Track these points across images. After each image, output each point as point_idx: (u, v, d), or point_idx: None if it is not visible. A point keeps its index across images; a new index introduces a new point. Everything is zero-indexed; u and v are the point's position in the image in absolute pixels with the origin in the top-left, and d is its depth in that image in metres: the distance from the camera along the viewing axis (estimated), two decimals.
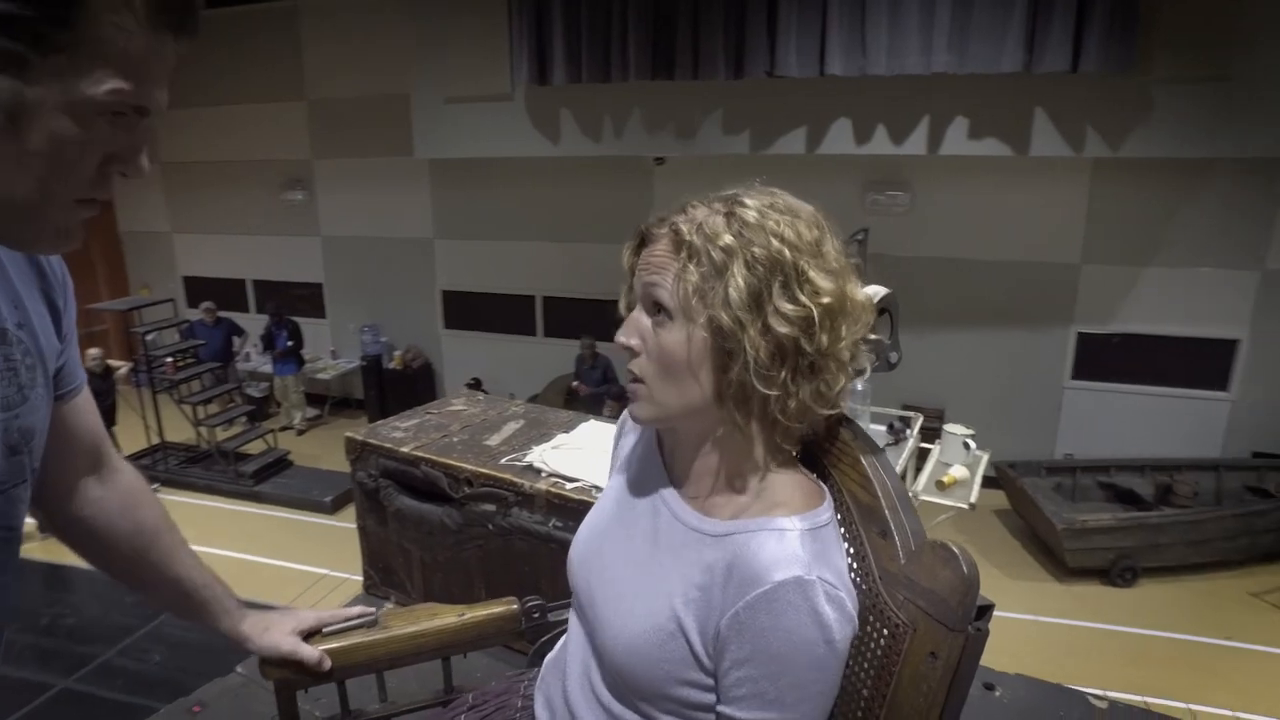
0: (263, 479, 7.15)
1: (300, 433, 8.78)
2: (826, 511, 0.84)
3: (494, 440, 2.26)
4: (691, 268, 0.79)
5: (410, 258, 8.74)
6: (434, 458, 2.11)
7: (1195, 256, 6.30)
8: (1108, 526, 5.50)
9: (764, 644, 0.76)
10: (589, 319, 7.98)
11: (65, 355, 0.88)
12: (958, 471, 3.69)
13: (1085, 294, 6.66)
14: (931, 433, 4.04)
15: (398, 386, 8.82)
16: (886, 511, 0.85)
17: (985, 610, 0.74)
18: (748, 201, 0.82)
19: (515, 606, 1.27)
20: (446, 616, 1.23)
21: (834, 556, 0.80)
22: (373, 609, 1.21)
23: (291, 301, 9.05)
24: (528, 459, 2.08)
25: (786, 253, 0.78)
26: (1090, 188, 6.37)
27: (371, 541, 2.32)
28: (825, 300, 0.78)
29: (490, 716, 1.11)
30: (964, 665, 0.74)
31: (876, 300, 0.89)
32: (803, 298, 0.77)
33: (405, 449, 2.15)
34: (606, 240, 7.81)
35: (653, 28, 6.08)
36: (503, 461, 2.09)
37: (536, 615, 1.26)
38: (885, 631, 0.82)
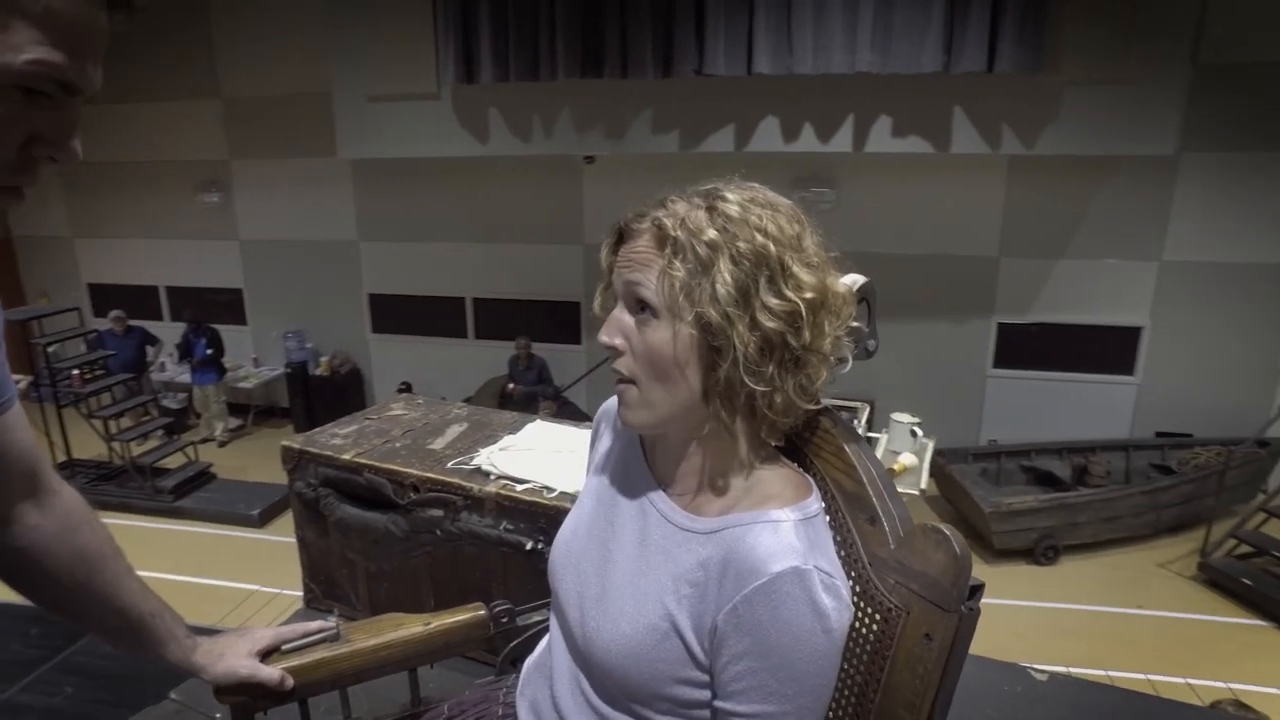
0: (183, 494, 6.82)
1: (222, 444, 8.43)
2: (816, 502, 0.84)
3: (438, 444, 2.21)
4: (677, 264, 0.78)
5: (335, 261, 8.49)
6: (377, 464, 2.05)
7: (1101, 249, 6.64)
8: (1031, 508, 5.74)
9: (763, 636, 0.75)
10: (521, 320, 7.93)
11: None
12: (906, 459, 3.79)
13: (1004, 286, 6.94)
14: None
15: (325, 393, 8.55)
16: (874, 498, 0.85)
17: (976, 590, 0.75)
18: (729, 196, 0.81)
19: (483, 612, 1.24)
20: (412, 626, 1.19)
21: (827, 546, 0.81)
22: (333, 623, 1.15)
23: (210, 308, 8.67)
24: (475, 462, 2.04)
25: (771, 247, 0.77)
26: (1007, 184, 6.64)
27: (312, 553, 2.24)
28: (808, 295, 0.78)
29: None
30: (958, 645, 0.76)
31: (855, 289, 0.89)
32: (788, 292, 0.77)
33: (346, 456, 2.08)
34: (537, 240, 7.82)
35: (581, 27, 6.05)
36: (449, 465, 2.05)
37: (505, 620, 1.23)
38: (877, 617, 0.83)
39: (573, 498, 1.90)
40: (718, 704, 0.81)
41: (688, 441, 0.86)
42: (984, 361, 7.20)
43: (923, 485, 3.70)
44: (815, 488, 0.86)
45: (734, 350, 0.76)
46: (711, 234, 0.77)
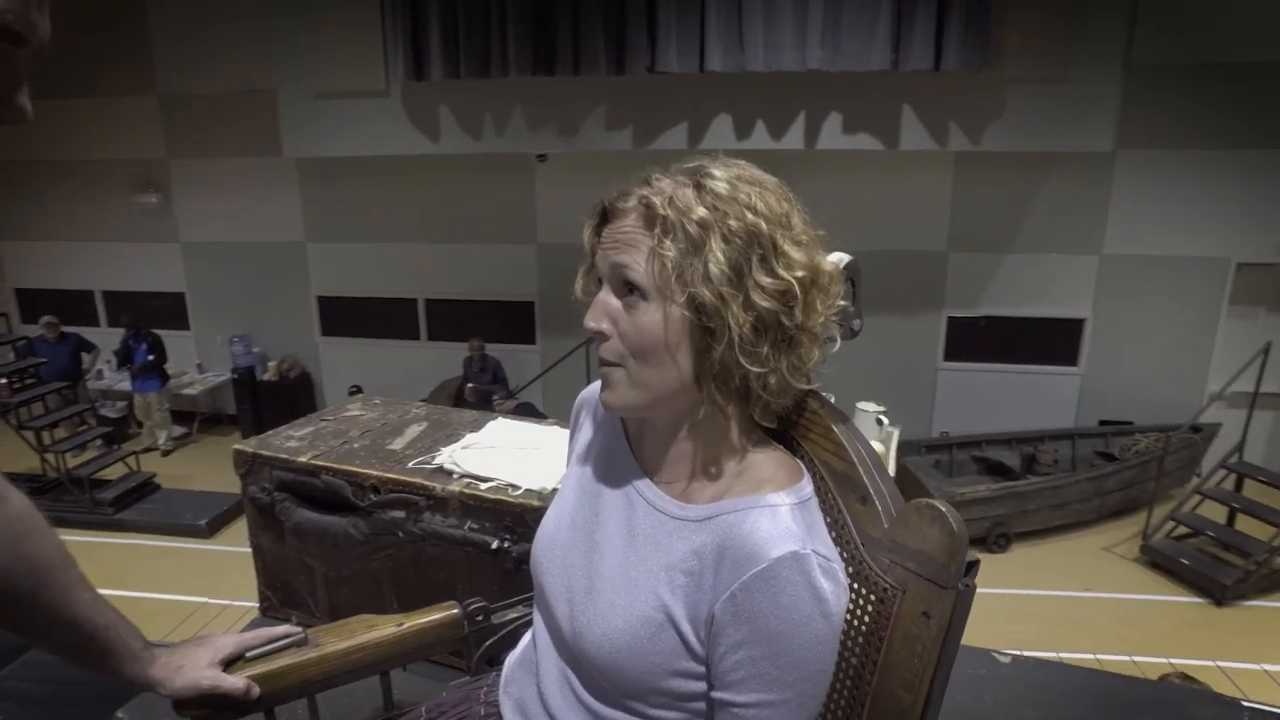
0: (124, 506, 6.56)
1: (166, 453, 8.14)
2: (808, 485, 0.83)
3: (398, 444, 2.16)
4: (668, 243, 0.75)
5: (281, 263, 8.27)
6: (335, 465, 1.99)
7: (1045, 243, 6.83)
8: (983, 497, 5.87)
9: (763, 623, 0.74)
10: (475, 320, 7.83)
11: None
12: (875, 447, 3.83)
13: (953, 280, 7.09)
14: None
15: (274, 399, 8.32)
16: (864, 478, 0.84)
17: (972, 566, 0.75)
18: (716, 173, 0.79)
19: (457, 611, 1.20)
20: (384, 627, 1.15)
21: (821, 529, 0.80)
22: (299, 628, 1.10)
23: (150, 313, 8.36)
24: (437, 461, 2.00)
25: (762, 225, 0.76)
26: (954, 179, 6.78)
27: (267, 560, 2.16)
28: (800, 273, 0.77)
29: None
30: (956, 622, 0.75)
31: (842, 266, 0.88)
32: (780, 271, 0.76)
33: (302, 458, 2.02)
34: (490, 240, 7.73)
35: (532, 24, 6.00)
36: (410, 465, 2.00)
37: (480, 618, 1.19)
38: (872, 598, 0.82)
39: (539, 495, 1.88)
40: (716, 694, 0.79)
41: (677, 426, 0.84)
42: (935, 355, 7.35)
43: (890, 473, 3.74)
44: (806, 471, 0.86)
45: (729, 331, 0.75)
46: (702, 212, 0.75)
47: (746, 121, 6.14)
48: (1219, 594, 5.31)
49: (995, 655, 1.97)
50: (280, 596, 2.19)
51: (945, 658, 0.76)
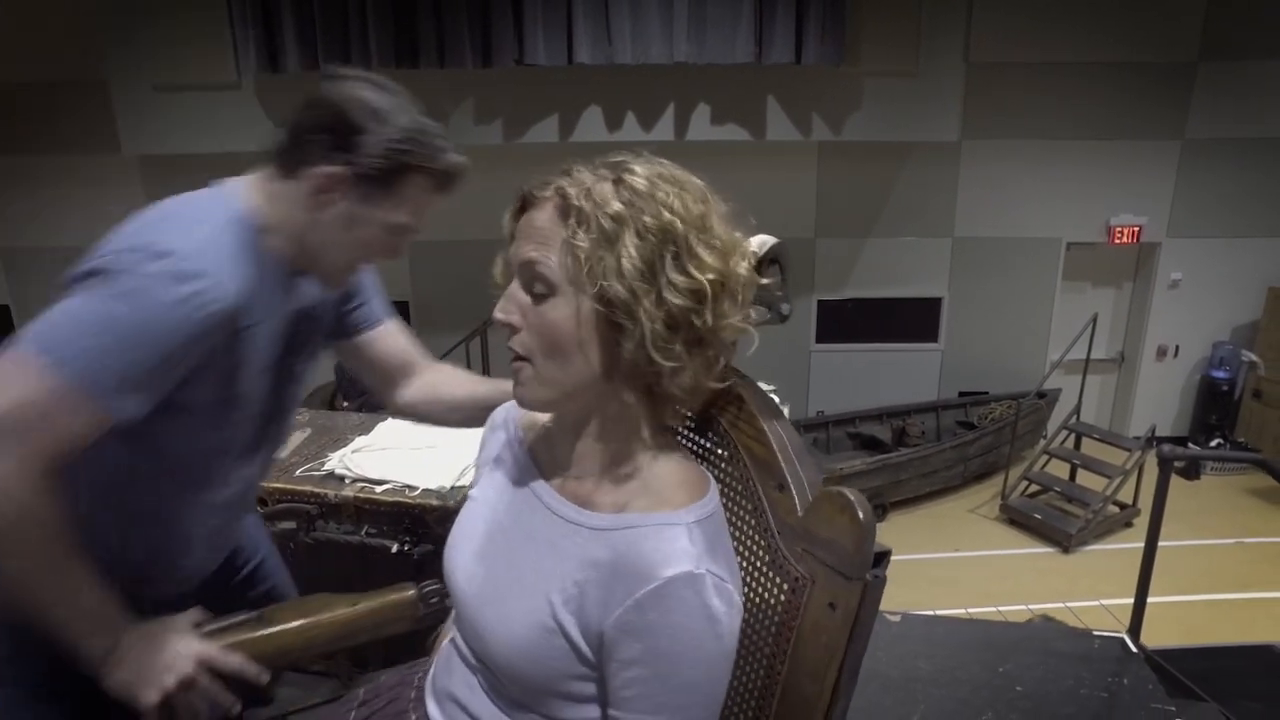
0: None
1: None
2: (713, 500, 0.82)
3: (281, 453, 2.05)
4: (581, 235, 0.75)
5: None
6: None
7: (903, 228, 7.26)
8: (860, 471, 6.19)
9: (654, 643, 0.73)
10: None
11: (358, 302, 1.34)
12: None
13: (821, 265, 7.42)
14: None
15: None
16: (783, 464, 0.83)
17: (883, 557, 0.74)
18: (636, 169, 0.79)
19: (412, 592, 1.20)
20: (338, 606, 1.15)
21: (723, 545, 0.79)
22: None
23: None
24: (327, 466, 1.92)
25: (678, 224, 0.75)
26: (818, 168, 7.09)
27: None
28: (710, 276, 0.76)
29: (381, 711, 1.02)
30: (864, 614, 0.74)
31: (764, 250, 0.89)
32: (692, 270, 0.75)
33: None
34: None
35: (393, 13, 5.78)
36: (299, 473, 1.90)
37: (435, 600, 1.19)
38: (785, 586, 0.82)
39: (438, 494, 1.83)
40: (610, 713, 0.78)
41: (583, 425, 0.84)
42: (808, 338, 7.67)
43: None
44: (713, 483, 0.85)
45: (640, 327, 0.74)
46: (617, 206, 0.75)
47: (617, 113, 6.18)
48: (1065, 543, 5.85)
49: (885, 615, 2.09)
50: None
51: (853, 650, 0.75)
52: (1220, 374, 7.21)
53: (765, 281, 0.87)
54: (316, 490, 1.81)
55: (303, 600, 1.17)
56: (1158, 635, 2.36)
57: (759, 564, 0.87)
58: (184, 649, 1.01)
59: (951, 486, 6.76)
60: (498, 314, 0.81)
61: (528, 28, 5.78)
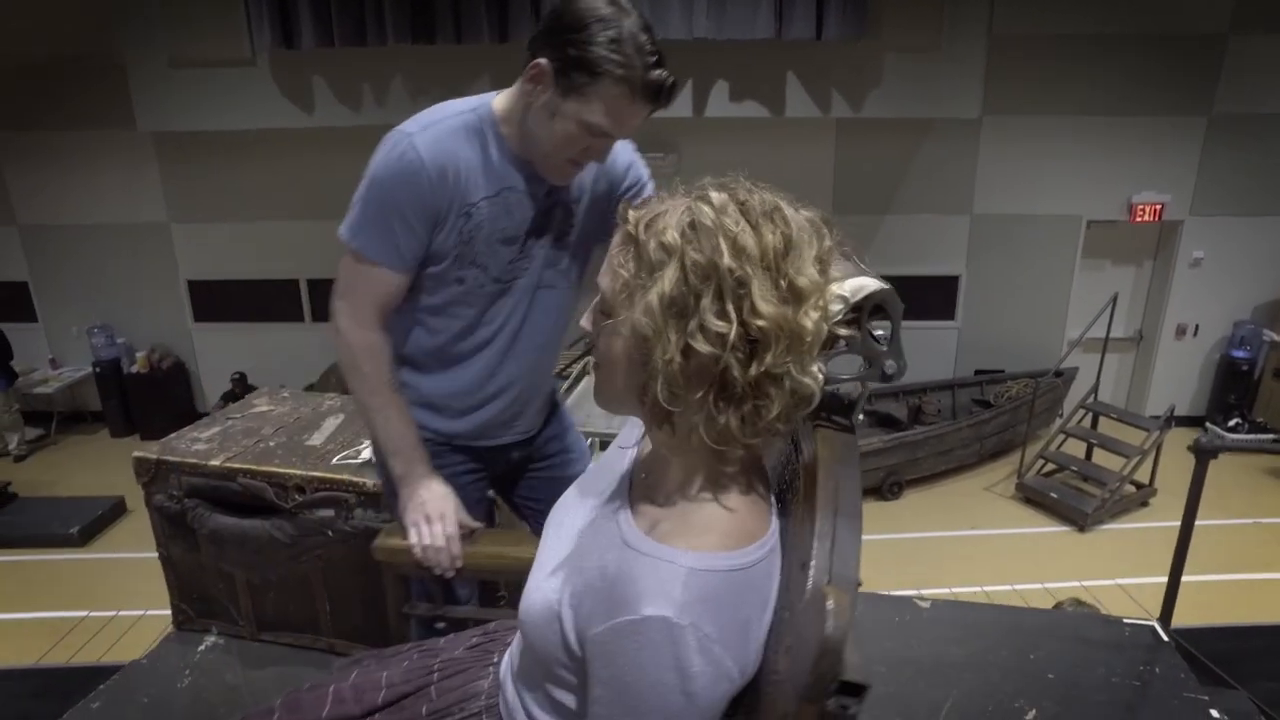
0: None
1: (19, 458, 7.43)
2: (747, 556, 0.73)
3: (316, 439, 2.07)
4: (630, 262, 0.74)
5: (143, 246, 7.62)
6: (253, 467, 1.89)
7: (921, 204, 7.19)
8: (878, 449, 6.20)
9: (619, 672, 0.71)
10: None
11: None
12: None
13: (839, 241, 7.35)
14: None
15: (145, 391, 7.75)
16: (814, 538, 0.71)
17: (855, 689, 0.60)
18: (713, 196, 0.75)
19: None
20: (525, 549, 1.17)
21: (728, 604, 0.71)
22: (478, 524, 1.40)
23: None
24: (364, 454, 1.93)
25: (728, 262, 0.70)
26: (836, 145, 7.01)
27: (180, 571, 2.04)
28: (760, 323, 0.70)
29: (483, 646, 1.12)
30: None
31: (858, 297, 0.78)
32: (732, 312, 0.70)
33: (215, 462, 1.90)
34: None
35: None
36: (335, 461, 1.92)
37: None
38: (772, 678, 0.75)
39: None
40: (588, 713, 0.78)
41: (659, 444, 0.84)
42: None
43: None
44: (764, 540, 0.76)
45: (656, 367, 0.72)
46: (670, 237, 0.72)
47: None
48: (1081, 522, 5.85)
49: (916, 601, 2.11)
50: (197, 608, 2.07)
51: None
52: (1240, 353, 7.15)
53: (845, 334, 0.78)
54: (355, 479, 1.83)
55: (504, 533, 1.35)
56: (1176, 615, 2.36)
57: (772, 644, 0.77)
58: (445, 503, 1.36)
59: (967, 465, 6.76)
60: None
61: (545, 3, 5.71)
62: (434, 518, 1.34)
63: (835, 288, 0.77)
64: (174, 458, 1.93)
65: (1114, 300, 6.54)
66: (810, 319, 0.72)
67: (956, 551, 5.63)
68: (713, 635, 0.68)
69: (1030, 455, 6.44)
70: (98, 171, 7.35)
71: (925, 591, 5.02)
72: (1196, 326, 7.34)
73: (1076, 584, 5.14)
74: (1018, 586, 5.11)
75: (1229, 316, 7.27)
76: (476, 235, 1.30)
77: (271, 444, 2.02)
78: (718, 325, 0.69)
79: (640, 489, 0.86)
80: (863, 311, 0.79)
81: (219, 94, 6.18)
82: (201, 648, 2.04)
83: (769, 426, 0.74)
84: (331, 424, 2.18)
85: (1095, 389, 6.77)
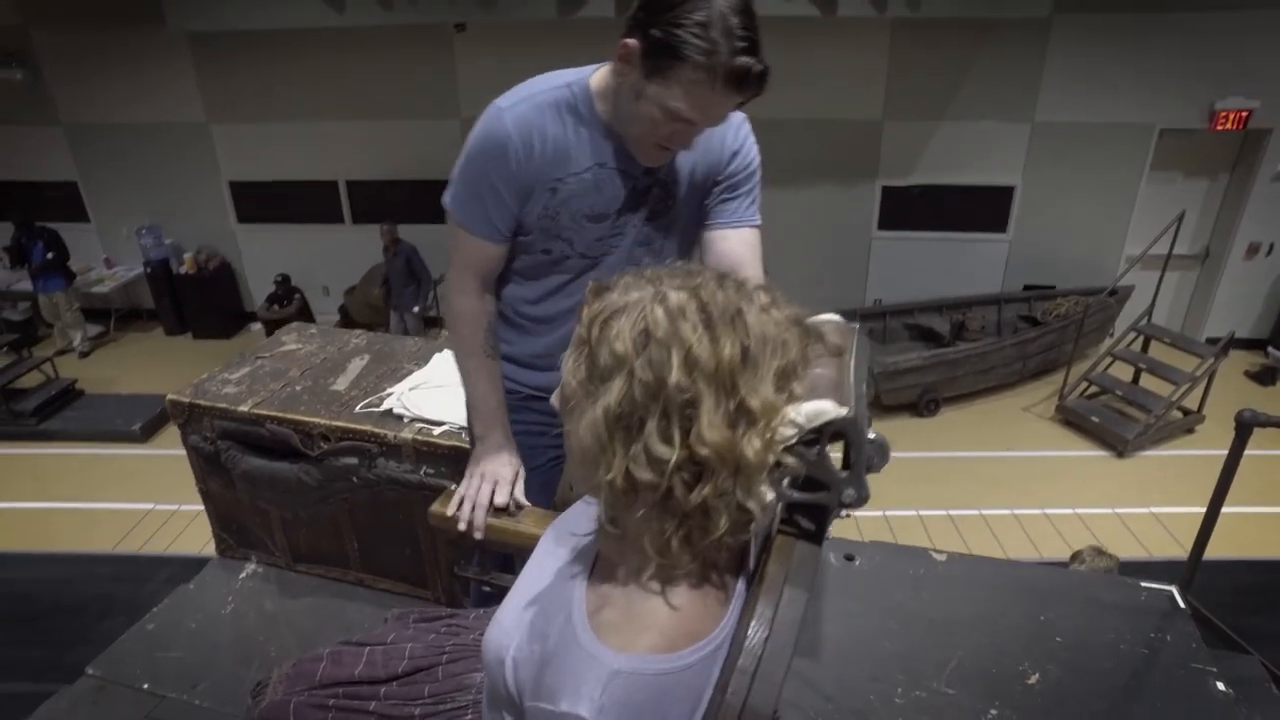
0: (47, 415, 6.33)
1: (84, 355, 7.78)
2: (681, 660, 0.70)
3: (341, 384, 2.11)
4: (582, 367, 0.71)
5: (185, 146, 7.64)
6: (279, 414, 1.94)
7: (978, 110, 6.78)
8: (915, 366, 6.11)
9: None
10: (400, 200, 7.42)
11: (724, 196, 1.42)
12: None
13: (888, 149, 7.04)
14: None
15: (194, 291, 7.98)
16: (737, 670, 0.71)
17: None
18: (671, 298, 0.69)
19: None
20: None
21: (649, 713, 0.68)
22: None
23: (40, 205, 7.72)
24: (386, 404, 1.96)
25: (677, 378, 0.66)
26: (890, 48, 6.59)
27: (219, 505, 2.14)
28: (704, 452, 0.66)
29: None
30: None
31: (815, 424, 0.72)
32: (678, 436, 0.67)
33: (243, 407, 1.96)
34: (409, 116, 7.27)
35: None
36: (358, 410, 1.96)
37: None
38: None
39: None
40: None
41: (610, 532, 0.80)
42: (869, 224, 7.40)
43: (853, 378, 3.87)
44: (706, 641, 0.72)
45: (602, 479, 0.70)
46: (620, 346, 0.68)
47: None
48: (1121, 447, 5.76)
49: (933, 554, 2.12)
50: (236, 538, 2.18)
51: None
52: None
53: (792, 462, 0.73)
54: (376, 430, 1.87)
55: (550, 515, 1.34)
56: (1210, 547, 2.30)
57: None
58: (505, 470, 1.44)
59: (1008, 384, 6.64)
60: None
61: None
62: (488, 478, 1.43)
63: (791, 410, 0.71)
64: (205, 401, 1.99)
65: (1180, 218, 6.18)
66: (753, 447, 0.68)
67: (990, 473, 5.61)
68: None
69: (1074, 376, 6.30)
70: (136, 72, 7.30)
71: (954, 513, 5.08)
72: (1271, 245, 6.94)
73: (1109, 510, 5.11)
74: (1049, 511, 5.10)
75: None
76: (562, 210, 1.32)
77: (298, 388, 2.06)
78: (661, 450, 0.66)
79: (605, 554, 0.83)
80: (823, 434, 0.74)
81: None
82: (243, 575, 2.16)
83: (715, 544, 0.72)
84: (357, 366, 2.21)
85: (1150, 310, 6.50)
